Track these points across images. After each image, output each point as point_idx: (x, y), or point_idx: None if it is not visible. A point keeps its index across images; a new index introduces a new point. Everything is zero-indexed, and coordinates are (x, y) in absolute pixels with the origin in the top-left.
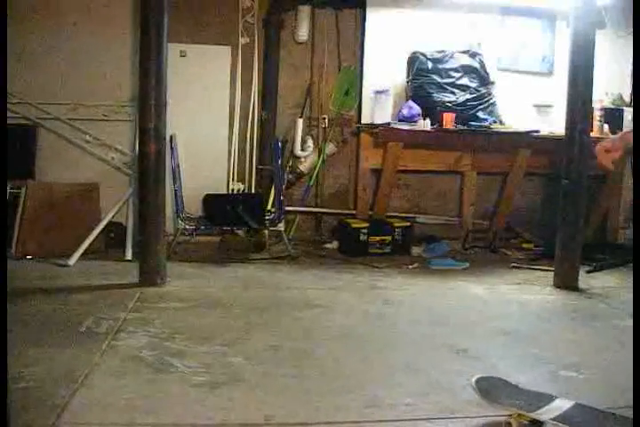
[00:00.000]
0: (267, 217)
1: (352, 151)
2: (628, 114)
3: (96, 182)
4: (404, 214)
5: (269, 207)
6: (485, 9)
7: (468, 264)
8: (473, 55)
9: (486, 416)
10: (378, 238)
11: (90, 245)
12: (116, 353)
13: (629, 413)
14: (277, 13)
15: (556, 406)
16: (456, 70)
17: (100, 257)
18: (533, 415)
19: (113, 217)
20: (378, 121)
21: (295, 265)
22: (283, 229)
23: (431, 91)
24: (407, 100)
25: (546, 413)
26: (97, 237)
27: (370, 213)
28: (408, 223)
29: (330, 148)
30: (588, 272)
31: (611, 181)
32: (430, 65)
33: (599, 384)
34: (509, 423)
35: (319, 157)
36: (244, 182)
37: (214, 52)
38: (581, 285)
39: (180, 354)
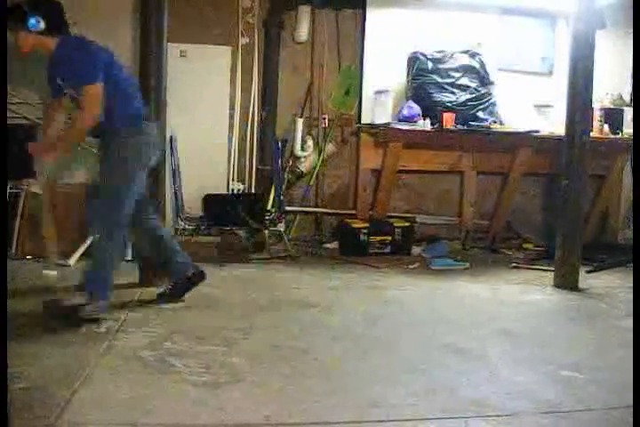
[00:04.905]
0: (267, 217)
1: (352, 151)
2: (628, 114)
3: None
4: (404, 214)
5: (269, 207)
6: (485, 9)
7: (467, 264)
8: (473, 55)
9: (487, 416)
10: (378, 238)
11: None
12: (115, 353)
13: (629, 413)
14: (277, 13)
15: None
16: (456, 70)
17: None
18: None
19: None
20: (378, 121)
21: (295, 265)
22: (283, 229)
23: (431, 91)
24: (407, 100)
25: None
26: None
27: (370, 213)
28: (408, 223)
29: (330, 148)
30: (588, 272)
31: (611, 181)
32: (430, 65)
33: (599, 384)
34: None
35: (319, 156)
36: (244, 182)
37: (214, 52)
38: (581, 285)
39: (180, 354)
